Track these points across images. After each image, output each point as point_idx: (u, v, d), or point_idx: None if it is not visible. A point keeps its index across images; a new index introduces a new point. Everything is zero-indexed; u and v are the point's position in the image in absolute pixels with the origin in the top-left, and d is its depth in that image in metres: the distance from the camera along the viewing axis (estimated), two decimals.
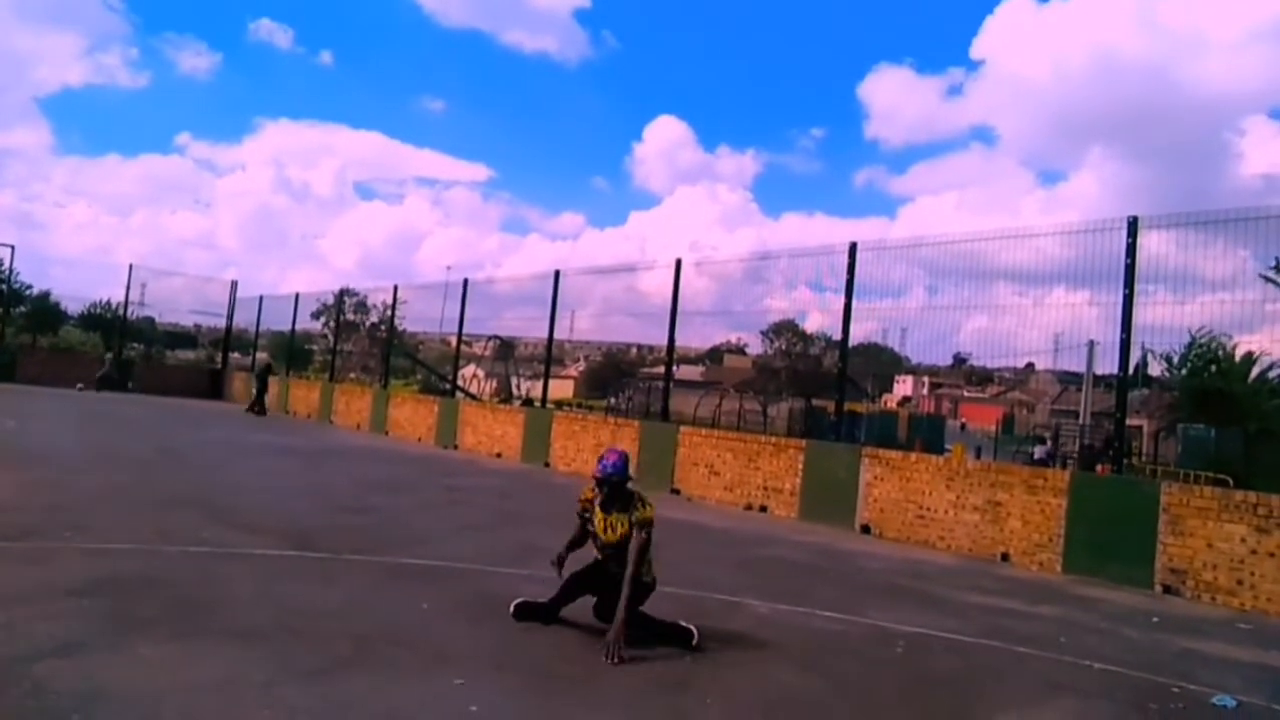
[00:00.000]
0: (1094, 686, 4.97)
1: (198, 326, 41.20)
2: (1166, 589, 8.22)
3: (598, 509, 4.98)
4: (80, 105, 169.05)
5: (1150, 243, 9.22)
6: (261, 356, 30.35)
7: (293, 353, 31.44)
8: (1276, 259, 16.01)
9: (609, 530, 4.92)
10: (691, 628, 4.88)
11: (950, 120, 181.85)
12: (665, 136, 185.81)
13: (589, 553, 5.11)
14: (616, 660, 4.44)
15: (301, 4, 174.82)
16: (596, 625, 4.89)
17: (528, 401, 26.60)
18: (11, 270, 34.07)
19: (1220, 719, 4.63)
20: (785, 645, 5.23)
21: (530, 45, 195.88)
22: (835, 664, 4.98)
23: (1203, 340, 25.90)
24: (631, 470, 5.17)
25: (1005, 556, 9.34)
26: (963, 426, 38.25)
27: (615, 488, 4.92)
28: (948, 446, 31.38)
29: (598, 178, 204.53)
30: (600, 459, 5.03)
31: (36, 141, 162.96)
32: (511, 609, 5.02)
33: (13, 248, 32.50)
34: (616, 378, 49.59)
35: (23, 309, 38.05)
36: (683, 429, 14.10)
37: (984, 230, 10.87)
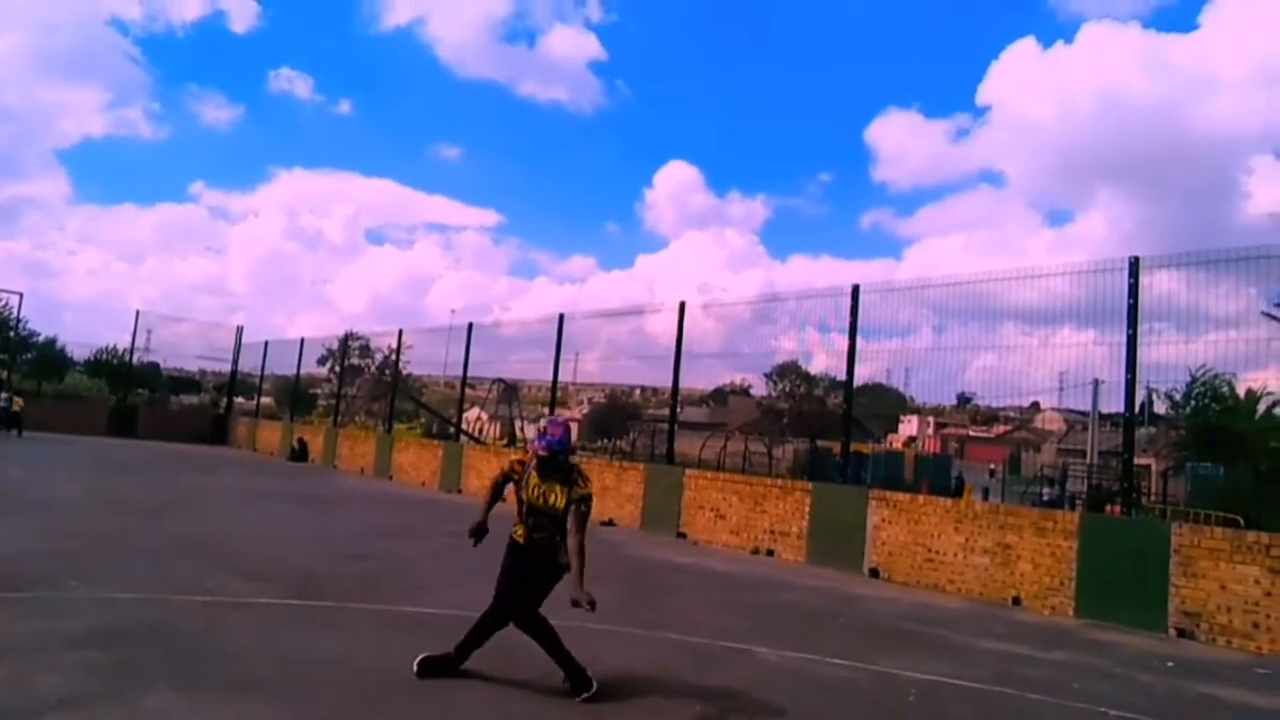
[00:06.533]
0: None
1: (203, 371, 41.40)
2: (1180, 632, 8.10)
3: (533, 473, 4.79)
4: (100, 156, 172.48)
5: (1157, 282, 9.28)
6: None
7: (297, 397, 31.47)
8: None
9: (542, 497, 4.73)
10: (592, 682, 4.67)
11: (958, 163, 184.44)
12: (676, 181, 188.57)
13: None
14: (591, 605, 4.42)
15: (322, 53, 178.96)
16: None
17: None
18: (19, 317, 34.33)
19: None
20: (794, 695, 5.15)
21: (544, 95, 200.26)
22: (846, 714, 4.91)
23: (1204, 378, 25.81)
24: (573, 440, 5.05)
25: (1016, 600, 9.24)
26: (991, 473, 37.43)
27: (557, 461, 4.77)
28: None
29: (609, 222, 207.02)
30: (542, 433, 4.79)
31: (54, 191, 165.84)
32: (415, 667, 4.72)
33: (20, 295, 32.81)
34: (620, 420, 49.52)
35: (29, 355, 38.20)
36: (688, 472, 14.05)
37: (990, 271, 10.93)
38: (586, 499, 4.73)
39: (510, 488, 4.94)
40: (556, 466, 4.76)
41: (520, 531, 4.87)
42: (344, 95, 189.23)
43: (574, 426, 4.90)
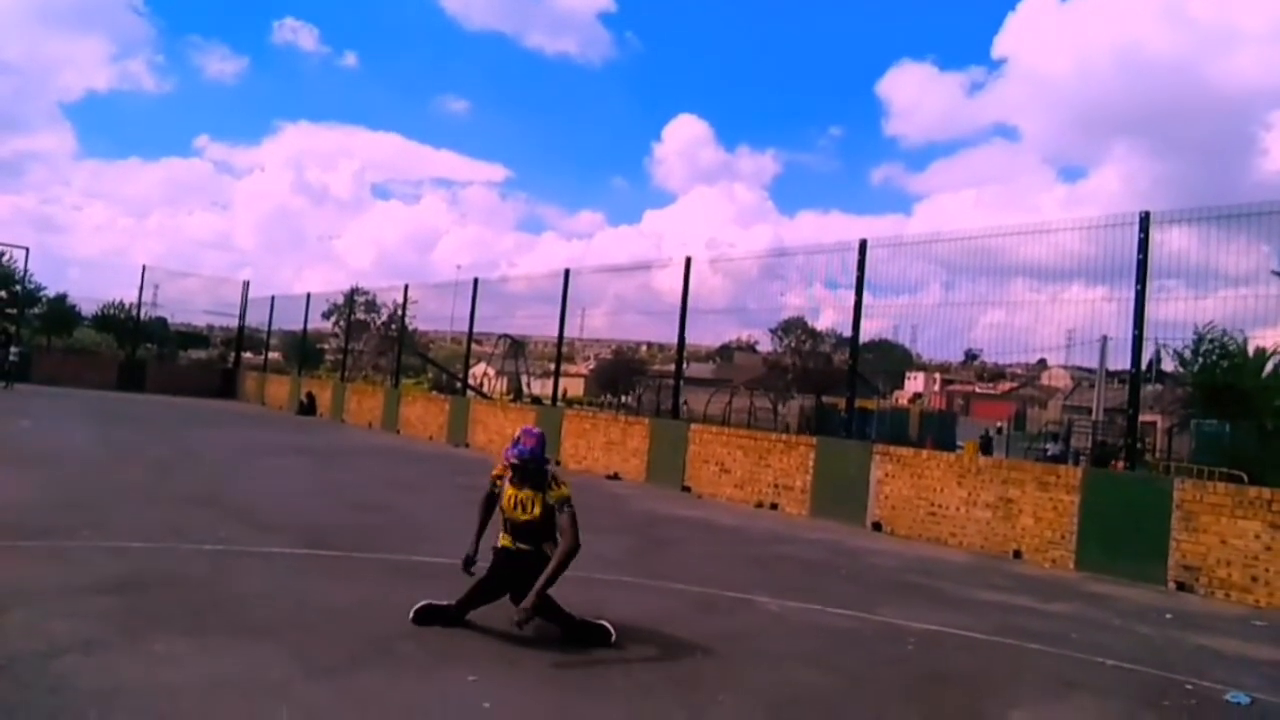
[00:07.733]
0: (1107, 684, 4.95)
1: (210, 326, 41.35)
2: (1180, 586, 8.17)
3: (507, 484, 4.85)
4: (104, 109, 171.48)
5: (1170, 238, 9.18)
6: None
7: (305, 352, 31.55)
8: None
9: (519, 508, 4.79)
10: (608, 625, 4.76)
11: (971, 117, 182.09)
12: (685, 135, 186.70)
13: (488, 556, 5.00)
14: (522, 622, 4.47)
15: (326, 3, 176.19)
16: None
17: (537, 400, 26.66)
18: (26, 272, 34.33)
19: (1234, 716, 4.62)
20: (796, 642, 5.23)
21: (552, 47, 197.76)
22: (846, 661, 4.98)
23: (1211, 335, 25.65)
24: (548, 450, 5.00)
25: (1018, 553, 9.31)
26: (1000, 429, 37.17)
27: (529, 469, 4.80)
28: (960, 444, 31.25)
29: (617, 177, 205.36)
30: (515, 441, 4.80)
31: (59, 146, 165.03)
32: (412, 614, 4.75)
33: (27, 250, 32.72)
34: (626, 375, 49.58)
35: (37, 310, 38.27)
36: (693, 426, 14.11)
37: (999, 226, 10.83)
38: (566, 500, 4.77)
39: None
40: (530, 474, 4.79)
41: (506, 540, 4.90)
42: (349, 46, 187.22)
43: (547, 437, 5.00)
